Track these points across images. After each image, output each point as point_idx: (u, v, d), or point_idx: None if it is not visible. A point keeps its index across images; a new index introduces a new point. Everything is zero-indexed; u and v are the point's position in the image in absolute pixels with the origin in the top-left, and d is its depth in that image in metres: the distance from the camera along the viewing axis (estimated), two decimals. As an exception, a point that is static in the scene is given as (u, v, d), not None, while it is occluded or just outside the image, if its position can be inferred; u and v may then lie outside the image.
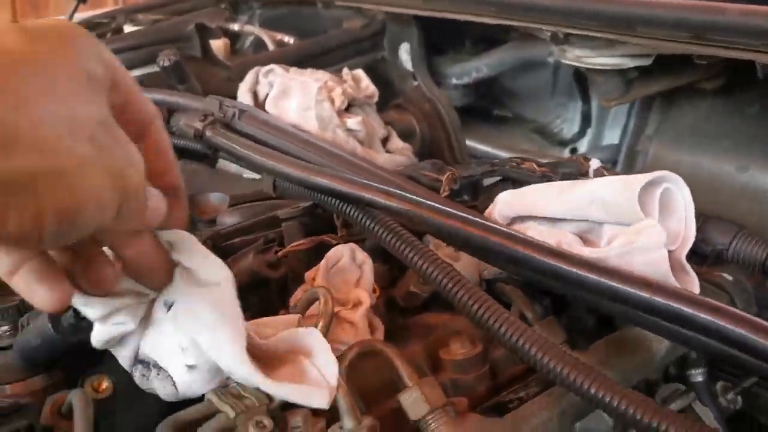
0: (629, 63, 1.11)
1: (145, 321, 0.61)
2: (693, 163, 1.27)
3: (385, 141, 1.29)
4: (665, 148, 1.31)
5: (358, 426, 0.63)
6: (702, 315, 0.57)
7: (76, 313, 0.61)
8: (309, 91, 1.15)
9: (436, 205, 0.75)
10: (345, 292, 0.84)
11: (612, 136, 1.56)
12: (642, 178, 0.80)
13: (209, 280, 0.60)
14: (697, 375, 1.01)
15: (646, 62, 1.10)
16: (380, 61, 1.61)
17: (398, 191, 0.77)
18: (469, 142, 1.69)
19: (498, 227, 0.74)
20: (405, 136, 1.53)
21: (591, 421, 0.85)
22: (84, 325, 0.61)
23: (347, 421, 0.63)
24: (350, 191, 0.80)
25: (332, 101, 1.13)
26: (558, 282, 0.68)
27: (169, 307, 0.60)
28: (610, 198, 0.81)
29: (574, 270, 0.66)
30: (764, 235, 1.17)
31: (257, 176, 1.09)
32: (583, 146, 1.64)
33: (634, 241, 0.77)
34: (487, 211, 0.97)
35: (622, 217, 0.81)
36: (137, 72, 1.25)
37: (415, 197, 0.76)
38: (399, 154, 1.24)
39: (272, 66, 1.26)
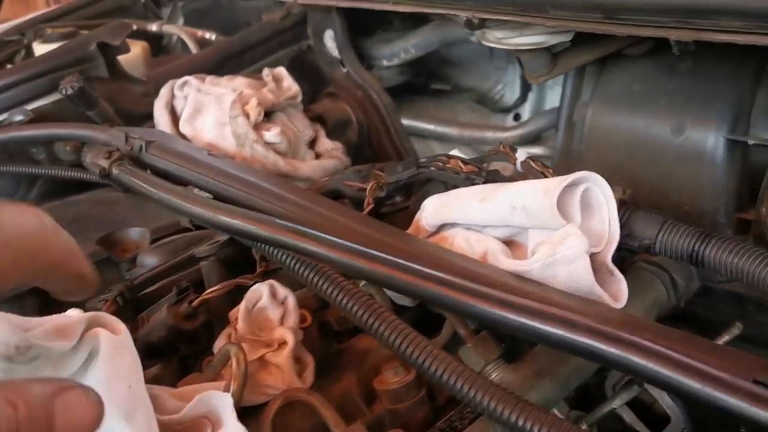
0: (552, 40, 1.06)
1: None
2: (629, 128, 1.23)
3: (313, 142, 1.24)
4: (601, 114, 1.28)
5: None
6: (617, 352, 0.55)
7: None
8: (224, 106, 1.10)
9: (348, 245, 0.71)
10: (269, 333, 0.81)
11: (554, 99, 1.51)
12: (560, 182, 0.77)
13: None
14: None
15: (566, 38, 1.05)
16: (307, 50, 1.55)
17: (311, 231, 0.74)
18: (409, 121, 1.64)
19: (406, 264, 0.70)
20: (341, 125, 1.49)
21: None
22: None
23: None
24: (260, 232, 0.76)
25: (247, 115, 1.08)
26: (471, 318, 0.66)
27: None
28: (531, 204, 0.78)
29: (485, 308, 0.63)
30: (703, 198, 1.16)
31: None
32: (525, 112, 1.60)
33: (556, 251, 0.74)
34: (415, 218, 0.94)
35: (544, 223, 0.78)
36: (43, 101, 1.19)
37: (326, 237, 0.72)
38: (328, 156, 1.20)
39: (187, 78, 1.21)
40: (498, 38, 1.09)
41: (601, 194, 0.78)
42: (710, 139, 1.14)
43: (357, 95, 1.49)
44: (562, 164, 1.40)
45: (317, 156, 1.21)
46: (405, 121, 1.62)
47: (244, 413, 0.67)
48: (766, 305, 1.07)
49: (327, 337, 0.89)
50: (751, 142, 1.11)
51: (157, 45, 1.79)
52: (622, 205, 0.82)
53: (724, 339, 1.02)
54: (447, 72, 1.66)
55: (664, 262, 0.97)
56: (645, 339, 0.55)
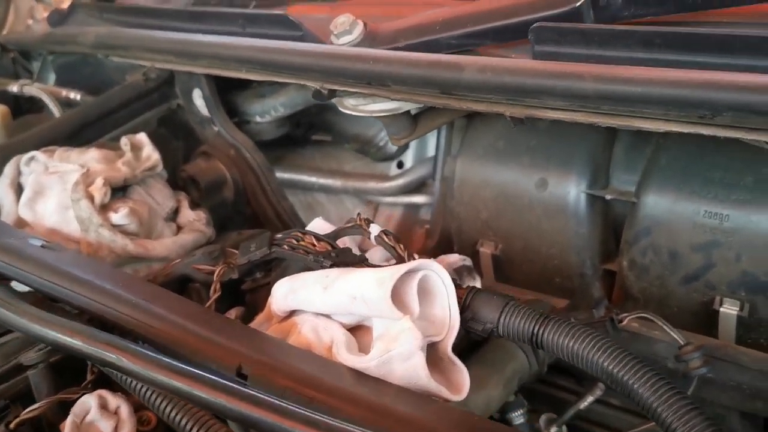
0: (406, 105, 1.05)
1: None
2: (497, 183, 1.24)
3: (176, 213, 1.19)
4: (470, 168, 1.28)
5: None
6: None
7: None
8: (68, 187, 1.04)
9: (165, 360, 0.67)
10: (100, 450, 0.75)
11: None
12: (395, 272, 0.75)
13: None
14: (518, 417, 0.99)
15: (419, 105, 1.05)
16: (177, 108, 1.50)
17: (129, 345, 0.69)
18: (292, 174, 1.61)
19: (216, 380, 0.66)
20: (216, 185, 1.45)
21: None
22: None
23: None
24: (78, 345, 0.71)
25: (92, 197, 1.02)
26: None
27: None
28: (368, 295, 0.76)
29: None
30: (571, 251, 1.17)
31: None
32: (408, 159, 1.59)
33: (390, 348, 0.72)
34: (268, 302, 0.91)
35: (382, 313, 0.76)
36: None
37: (147, 353, 0.68)
38: (189, 229, 1.15)
39: (34, 153, 1.14)
40: (353, 105, 1.07)
41: (440, 281, 0.77)
42: (572, 194, 1.15)
43: (230, 154, 1.44)
44: (438, 217, 1.39)
45: (179, 228, 1.16)
46: (288, 175, 1.59)
47: None
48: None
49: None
50: (608, 197, 1.12)
51: (26, 101, 1.71)
52: (467, 289, 0.81)
53: (588, 400, 1.03)
54: (328, 121, 1.64)
55: (523, 330, 0.96)
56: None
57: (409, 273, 0.76)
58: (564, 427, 1.04)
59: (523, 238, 1.21)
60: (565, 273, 1.18)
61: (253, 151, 1.43)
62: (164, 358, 0.67)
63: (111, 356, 0.69)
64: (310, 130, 1.67)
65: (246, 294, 1.07)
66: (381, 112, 1.06)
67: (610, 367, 0.70)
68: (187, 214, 1.17)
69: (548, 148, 1.18)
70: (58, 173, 1.07)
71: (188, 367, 0.65)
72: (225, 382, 0.65)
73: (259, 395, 0.63)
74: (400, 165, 1.60)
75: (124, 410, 0.77)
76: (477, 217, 1.26)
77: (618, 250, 1.14)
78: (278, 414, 0.62)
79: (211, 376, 0.65)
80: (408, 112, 1.12)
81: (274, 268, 1.04)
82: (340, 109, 1.11)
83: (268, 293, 0.95)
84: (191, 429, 0.67)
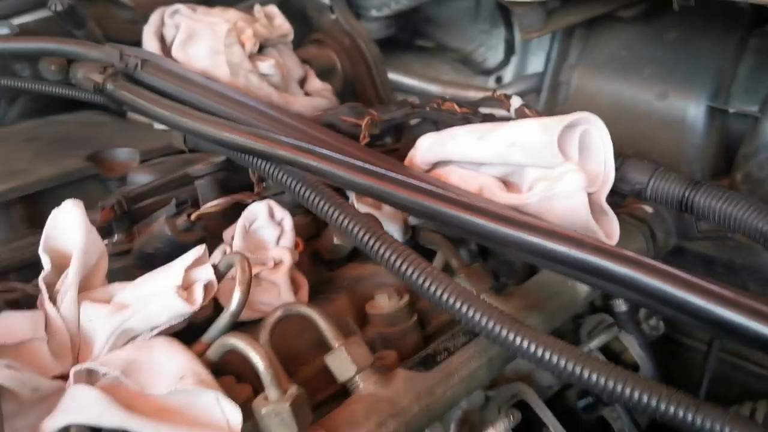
0: (544, -6, 1.08)
1: None
2: (614, 92, 1.27)
3: (303, 82, 1.24)
4: (587, 77, 1.30)
5: (283, 396, 0.61)
6: (617, 268, 0.57)
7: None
8: (218, 35, 1.08)
9: (350, 161, 0.72)
10: (265, 252, 0.81)
11: (537, 64, 1.54)
12: (560, 121, 0.79)
13: None
14: (621, 305, 1.04)
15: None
16: (294, -5, 1.53)
17: (312, 147, 0.74)
18: (392, 75, 1.64)
19: (411, 181, 0.71)
20: (326, 73, 1.48)
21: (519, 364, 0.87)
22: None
23: (272, 391, 0.61)
24: (263, 148, 0.76)
25: (243, 45, 1.07)
26: (476, 237, 0.67)
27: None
28: (530, 142, 0.80)
29: (489, 224, 0.65)
30: (682, 162, 1.20)
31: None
32: (507, 75, 1.62)
33: (554, 186, 0.76)
34: (409, 155, 0.95)
35: (542, 161, 0.80)
36: (28, 17, 1.15)
37: (329, 153, 0.73)
38: (318, 95, 1.19)
39: (178, 6, 1.18)
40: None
41: (599, 137, 0.80)
42: (692, 106, 1.18)
43: (344, 43, 1.48)
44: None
45: (307, 95, 1.20)
46: (389, 75, 1.63)
47: (239, 329, 0.67)
48: (734, 267, 1.12)
49: (318, 264, 0.90)
50: (731, 110, 1.15)
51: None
52: (617, 152, 0.85)
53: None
54: (432, 30, 1.67)
55: (646, 216, 1.00)
56: (651, 258, 0.57)
57: (571, 126, 0.80)
58: (661, 323, 1.09)
59: (635, 147, 1.24)
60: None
61: (369, 42, 1.47)
62: (352, 160, 0.71)
63: (286, 154, 0.73)
64: (415, 35, 1.70)
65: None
66: (522, -1, 1.09)
67: (765, 228, 0.74)
68: (315, 83, 1.22)
69: (673, 60, 1.21)
70: (206, 23, 1.11)
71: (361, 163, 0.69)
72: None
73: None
74: (498, 80, 1.63)
75: (288, 222, 0.83)
76: (589, 123, 1.29)
77: (728, 168, 1.17)
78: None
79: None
80: (543, 4, 1.15)
81: (405, 135, 1.08)
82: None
83: (396, 159, 0.99)
84: (375, 246, 0.71)
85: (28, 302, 0.69)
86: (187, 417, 0.60)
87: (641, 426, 0.96)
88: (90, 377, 0.63)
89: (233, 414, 0.60)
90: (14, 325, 0.64)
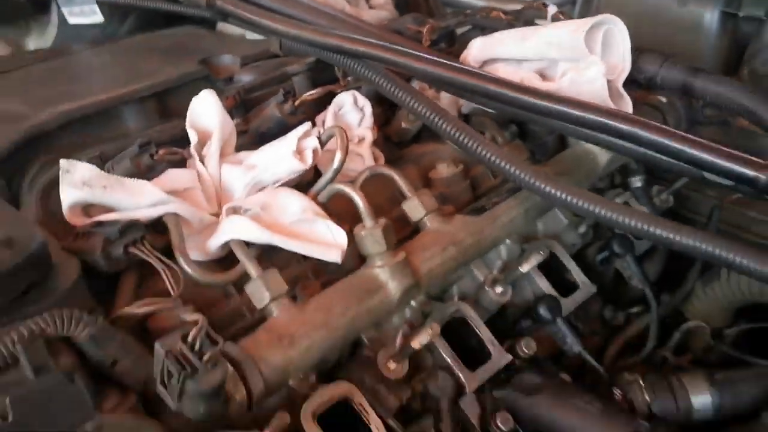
0: None
1: None
2: (639, 0, 1.43)
3: (367, -4, 1.43)
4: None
5: (376, 224, 0.85)
6: (623, 126, 0.79)
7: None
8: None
9: (421, 54, 0.93)
10: (351, 131, 1.03)
11: (572, -24, 1.70)
12: (587, 22, 0.98)
13: None
14: (636, 181, 1.24)
15: None
16: None
17: (389, 44, 0.95)
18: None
19: (471, 69, 0.93)
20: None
21: (549, 218, 1.09)
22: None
23: (368, 221, 0.85)
24: (350, 47, 0.97)
25: (321, -36, 1.26)
26: (520, 109, 0.89)
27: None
28: (564, 39, 0.99)
29: (531, 99, 0.86)
30: (697, 62, 1.37)
31: (258, 37, 1.25)
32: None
33: (581, 75, 0.97)
34: (462, 56, 1.15)
35: (572, 55, 1.00)
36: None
37: (403, 48, 0.94)
38: (381, 9, 1.39)
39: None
40: None
41: (619, 34, 1.00)
42: (708, 12, 1.34)
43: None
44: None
45: (371, 8, 1.40)
46: (438, -9, 1.80)
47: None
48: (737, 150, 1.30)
49: (389, 145, 1.12)
50: (741, 14, 1.32)
51: None
52: (634, 48, 1.04)
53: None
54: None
55: (659, 104, 1.20)
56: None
57: (596, 25, 0.99)
58: (671, 197, 1.29)
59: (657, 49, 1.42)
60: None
61: (422, -41, 1.64)
62: (421, 53, 0.92)
63: (369, 51, 0.94)
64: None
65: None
66: None
67: (748, 104, 0.93)
68: (378, -2, 1.41)
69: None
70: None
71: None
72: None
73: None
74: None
75: (368, 108, 1.05)
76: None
77: (737, 67, 1.35)
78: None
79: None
80: None
81: (457, 40, 1.28)
82: None
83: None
84: (441, 123, 0.92)
85: (182, 164, 0.93)
86: (309, 237, 0.84)
87: (648, 277, 1.17)
88: (235, 213, 0.88)
89: (340, 236, 0.84)
90: (178, 178, 0.89)
